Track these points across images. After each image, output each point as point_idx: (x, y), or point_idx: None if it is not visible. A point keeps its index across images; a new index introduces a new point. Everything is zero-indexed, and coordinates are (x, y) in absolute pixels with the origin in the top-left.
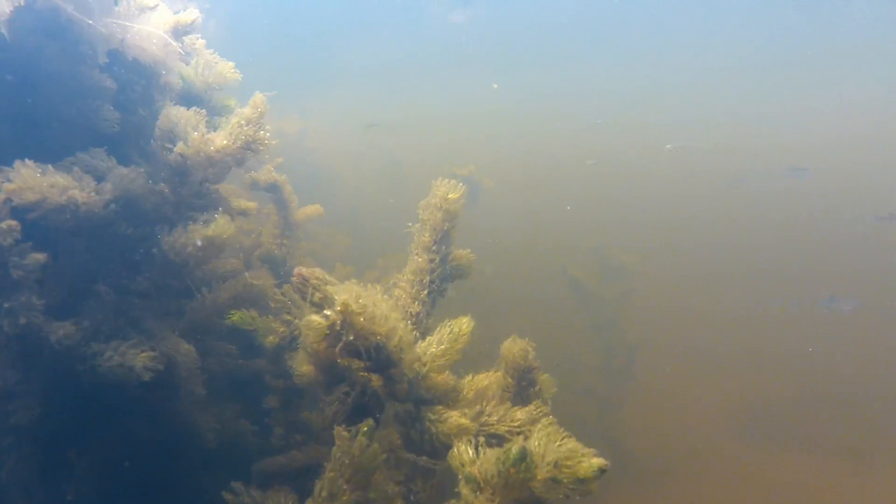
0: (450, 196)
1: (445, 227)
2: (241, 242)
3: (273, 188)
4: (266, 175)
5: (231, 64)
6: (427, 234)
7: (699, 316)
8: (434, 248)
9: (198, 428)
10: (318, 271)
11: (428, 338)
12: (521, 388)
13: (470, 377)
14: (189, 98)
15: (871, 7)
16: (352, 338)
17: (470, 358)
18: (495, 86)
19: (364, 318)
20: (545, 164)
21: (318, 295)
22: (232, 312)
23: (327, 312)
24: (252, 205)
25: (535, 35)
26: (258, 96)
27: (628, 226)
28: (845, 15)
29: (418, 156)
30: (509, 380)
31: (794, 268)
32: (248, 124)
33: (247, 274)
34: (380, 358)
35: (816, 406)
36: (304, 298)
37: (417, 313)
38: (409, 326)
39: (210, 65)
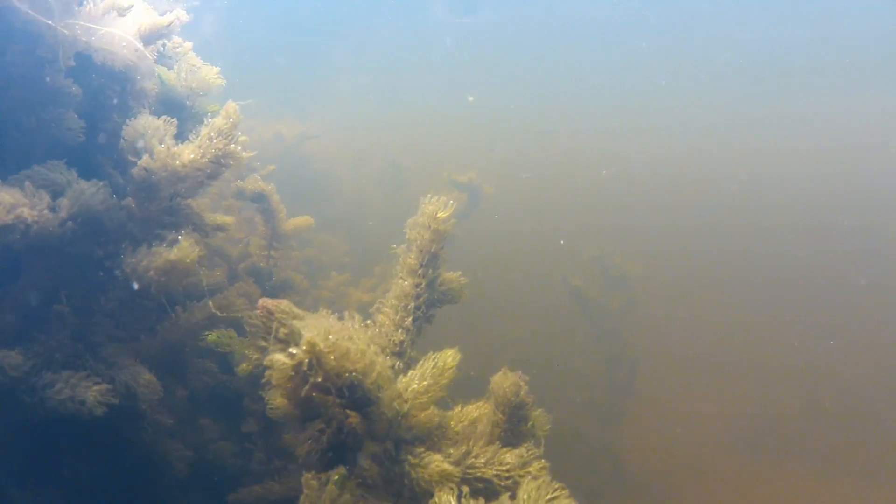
0: (439, 215)
1: (433, 249)
2: (228, 253)
3: (259, 198)
4: (252, 184)
5: (216, 69)
6: (413, 256)
7: (703, 327)
8: (420, 271)
9: (167, 457)
10: (284, 303)
11: (410, 372)
12: (513, 425)
13: (459, 408)
14: (170, 104)
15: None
16: (320, 379)
17: (468, 371)
18: (470, 98)
19: (335, 356)
20: (547, 169)
21: (283, 330)
22: (207, 333)
23: (293, 351)
24: (229, 220)
25: (538, 40)
26: (230, 106)
27: (631, 234)
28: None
29: (418, 160)
30: (500, 415)
31: (802, 277)
32: (218, 136)
33: (234, 286)
34: (355, 396)
35: (823, 421)
36: (268, 333)
37: (401, 342)
38: (389, 360)
39: (193, 69)
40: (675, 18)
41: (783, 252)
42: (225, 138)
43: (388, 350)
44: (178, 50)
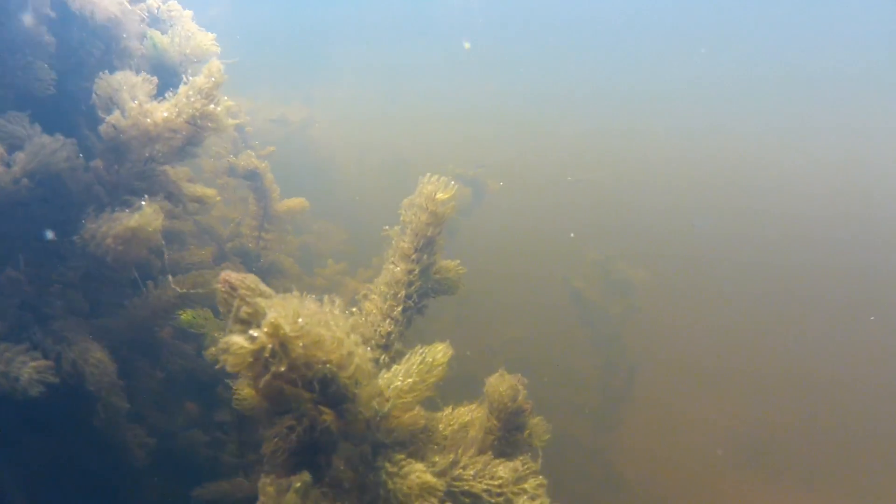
0: (438, 196)
1: (430, 233)
2: (219, 232)
3: (252, 175)
4: (246, 161)
5: (211, 35)
6: (407, 240)
7: (704, 335)
8: (414, 256)
9: (126, 444)
10: (250, 278)
11: (395, 367)
12: (508, 433)
13: (449, 410)
14: (161, 69)
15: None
16: (283, 368)
17: (462, 369)
18: (467, 45)
19: (305, 344)
20: (553, 168)
21: (245, 309)
22: (181, 312)
23: (254, 333)
24: (210, 192)
25: (546, 30)
26: (213, 64)
27: (637, 239)
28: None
29: (422, 154)
30: (494, 421)
31: (807, 288)
32: (197, 95)
33: (220, 267)
34: (329, 391)
35: (822, 435)
36: (228, 312)
37: (388, 334)
38: (373, 353)
39: (188, 35)
40: (687, 19)
41: (788, 263)
42: (205, 98)
43: (372, 341)
44: (172, 14)
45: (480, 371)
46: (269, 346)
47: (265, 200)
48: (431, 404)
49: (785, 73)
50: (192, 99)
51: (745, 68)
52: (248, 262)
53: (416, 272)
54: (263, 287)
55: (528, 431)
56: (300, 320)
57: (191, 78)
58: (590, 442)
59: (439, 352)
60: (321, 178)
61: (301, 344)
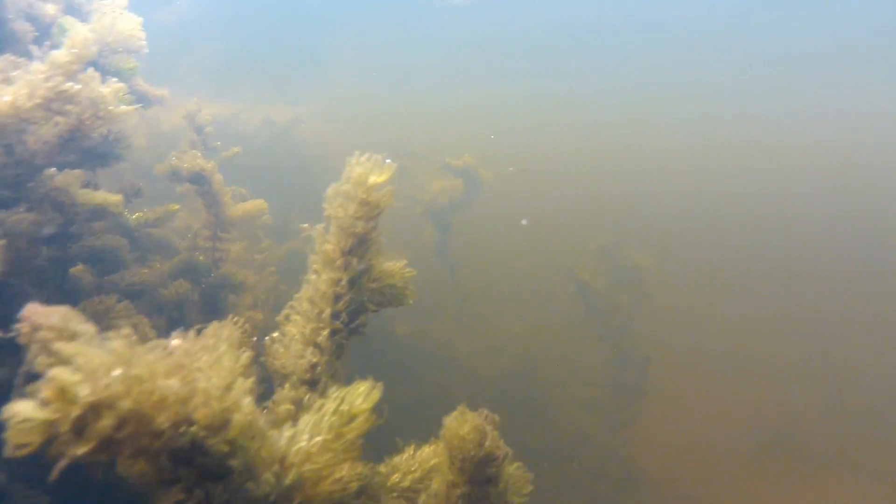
0: (371, 180)
1: (361, 229)
2: (175, 245)
3: (198, 178)
4: (190, 162)
5: (138, 20)
6: (332, 240)
7: (720, 323)
8: (341, 261)
9: None
10: (58, 313)
11: (303, 419)
12: (477, 487)
13: (410, 452)
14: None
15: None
16: (93, 445)
17: (470, 374)
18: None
19: (137, 404)
20: (550, 156)
21: (46, 359)
22: None
23: (47, 396)
24: (114, 198)
25: (540, 27)
26: (78, 33)
27: (643, 223)
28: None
29: (419, 148)
30: (457, 474)
31: (826, 270)
32: (54, 73)
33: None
34: (201, 462)
35: (847, 422)
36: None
37: (313, 366)
38: (294, 390)
39: (110, 21)
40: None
41: (806, 243)
42: (64, 75)
43: (294, 377)
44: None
45: (487, 372)
46: (73, 414)
47: (216, 206)
48: (388, 445)
49: (783, 54)
50: (49, 77)
51: (743, 51)
52: (197, 277)
53: (343, 282)
54: (79, 325)
55: (502, 484)
56: (117, 372)
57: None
58: (606, 440)
59: (359, 394)
60: (311, 180)
61: (128, 406)
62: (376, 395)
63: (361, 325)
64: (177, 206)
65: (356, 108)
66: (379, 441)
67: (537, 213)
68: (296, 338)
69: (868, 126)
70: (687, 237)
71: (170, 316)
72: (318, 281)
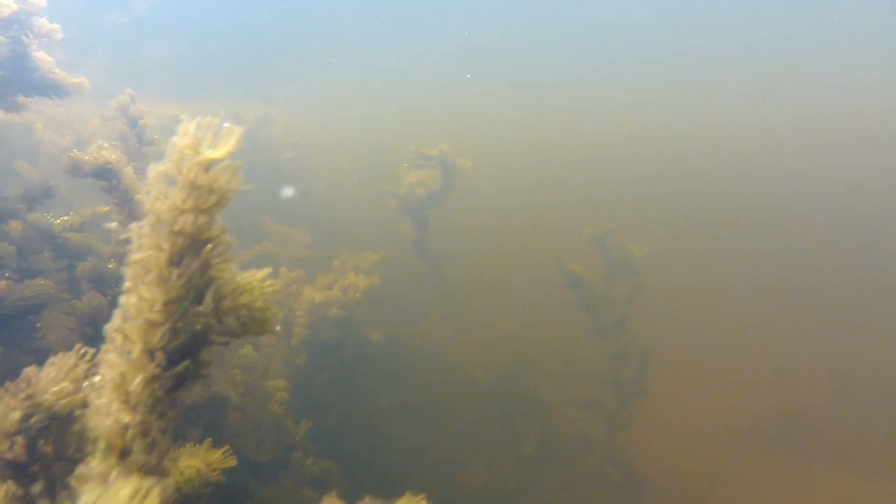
0: (206, 155)
1: (192, 228)
2: (100, 250)
3: (104, 173)
4: (94, 154)
5: None
6: (149, 244)
7: (720, 315)
8: (172, 274)
9: None
10: None
11: None
12: None
13: None
14: None
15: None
16: None
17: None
18: (468, 76)
19: None
20: (535, 143)
21: None
22: None
23: None
24: None
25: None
26: None
27: (636, 211)
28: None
29: (399, 142)
30: None
31: (832, 259)
32: None
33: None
34: None
35: (853, 415)
36: None
37: (123, 427)
38: (102, 459)
39: None
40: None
41: (811, 230)
42: None
43: (104, 444)
44: None
45: (479, 373)
46: None
47: (129, 204)
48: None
49: (766, 31)
50: None
51: (724, 29)
52: (103, 287)
53: (159, 306)
54: None
55: None
56: None
57: None
58: (605, 441)
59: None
60: (284, 179)
61: None
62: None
63: (199, 366)
64: (106, 209)
65: (331, 104)
66: (367, 452)
67: (523, 203)
68: (106, 385)
69: (852, 95)
70: (683, 224)
71: (83, 332)
72: (128, 304)
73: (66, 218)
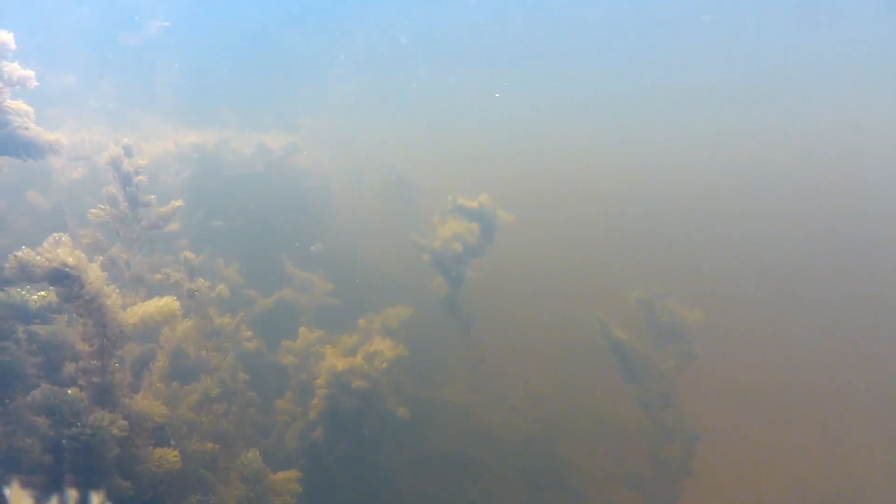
0: None
1: None
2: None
3: (61, 278)
4: (47, 255)
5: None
6: None
7: (779, 392)
8: None
9: None
10: None
11: None
12: None
13: None
14: None
15: None
16: None
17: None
18: (496, 95)
19: None
20: (580, 193)
21: None
22: None
23: None
24: None
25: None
26: None
27: (689, 272)
28: None
29: (427, 175)
30: None
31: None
32: None
33: None
34: None
35: None
36: None
37: None
38: None
39: None
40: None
41: (880, 297)
42: None
43: None
44: None
45: (503, 432)
46: None
47: (96, 314)
48: None
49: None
50: None
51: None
52: (59, 422)
53: None
54: None
55: None
56: None
57: None
58: None
59: None
60: (310, 214)
61: None
62: None
63: None
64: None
65: (359, 134)
66: None
67: (565, 260)
68: None
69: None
70: (741, 288)
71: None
72: None
73: (43, 294)
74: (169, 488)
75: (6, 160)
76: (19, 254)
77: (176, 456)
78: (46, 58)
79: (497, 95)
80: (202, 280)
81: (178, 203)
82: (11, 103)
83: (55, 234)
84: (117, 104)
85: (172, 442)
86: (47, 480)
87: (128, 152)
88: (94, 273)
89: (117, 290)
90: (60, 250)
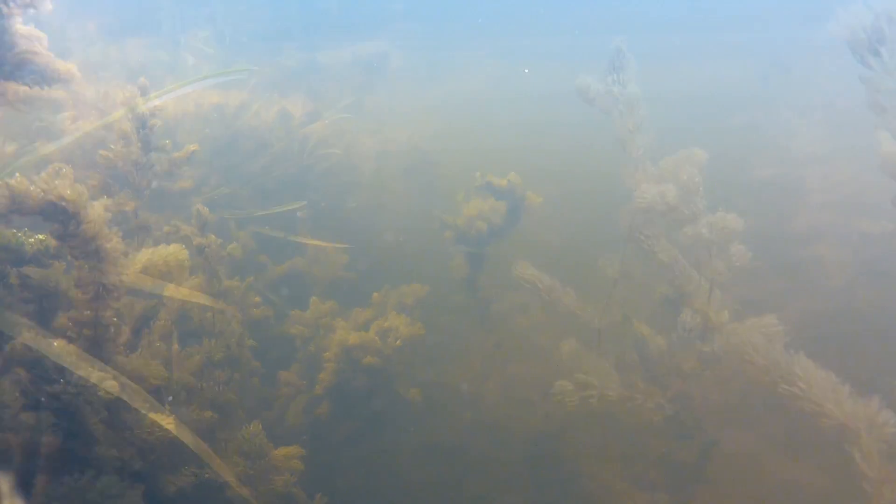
0: None
1: None
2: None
3: (56, 213)
4: (45, 185)
5: None
6: None
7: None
8: None
9: None
10: None
11: None
12: None
13: None
14: None
15: None
16: None
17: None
18: (526, 70)
19: None
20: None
21: None
22: None
23: None
24: None
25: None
26: None
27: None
28: None
29: (453, 152)
30: None
31: None
32: None
33: None
34: None
35: None
36: None
37: None
38: None
39: None
40: None
41: None
42: None
43: None
44: None
45: (517, 427)
46: None
47: (94, 259)
48: None
49: None
50: None
51: None
52: (39, 380)
53: None
54: None
55: None
56: None
57: None
58: None
59: None
60: (327, 185)
61: None
62: None
63: None
64: None
65: (387, 107)
66: None
67: (592, 250)
68: None
69: None
70: (777, 283)
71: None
72: None
73: (41, 237)
74: (160, 458)
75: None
76: (11, 182)
77: (171, 423)
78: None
79: (526, 71)
80: (213, 236)
81: (194, 147)
82: (22, 28)
83: (55, 165)
84: (142, 57)
85: (167, 407)
86: (24, 441)
87: (143, 92)
88: (94, 212)
89: (120, 234)
90: (59, 182)
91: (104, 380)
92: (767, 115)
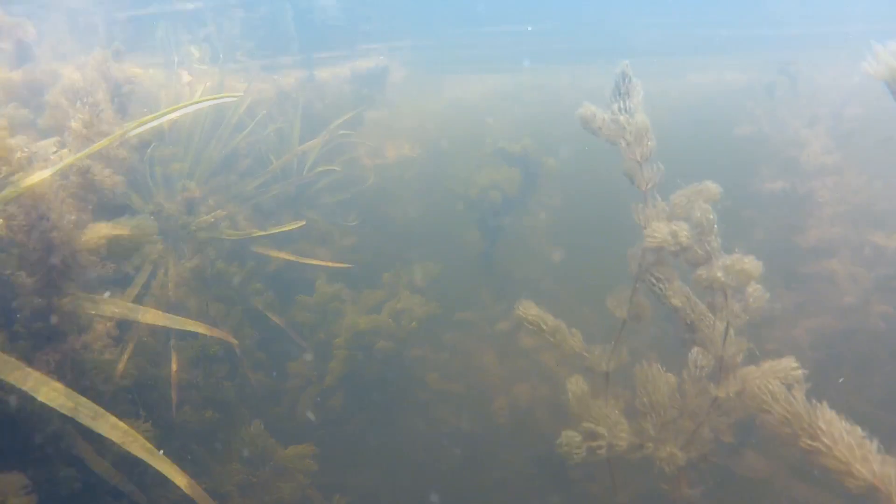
0: None
1: None
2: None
3: None
4: None
5: None
6: None
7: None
8: None
9: None
10: None
11: None
12: None
13: None
14: None
15: None
16: None
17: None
18: (529, 28)
19: None
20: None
21: None
22: None
23: None
24: None
25: None
26: None
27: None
28: None
29: (471, 129)
30: None
31: None
32: None
33: None
34: None
35: None
36: None
37: None
38: None
39: None
40: None
41: None
42: None
43: None
44: None
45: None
46: None
47: (39, 229)
48: None
49: None
50: None
51: None
52: None
53: None
54: None
55: None
56: None
57: None
58: None
59: None
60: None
61: None
62: None
63: None
64: None
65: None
66: None
67: (614, 217)
68: None
69: None
70: (788, 299)
71: None
72: None
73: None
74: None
75: None
76: None
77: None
78: None
79: (529, 28)
80: (206, 216)
81: (175, 116)
82: None
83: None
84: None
85: (142, 412)
86: None
87: (117, 55)
88: (39, 175)
89: (73, 202)
90: None
91: (55, 389)
92: (773, 126)
